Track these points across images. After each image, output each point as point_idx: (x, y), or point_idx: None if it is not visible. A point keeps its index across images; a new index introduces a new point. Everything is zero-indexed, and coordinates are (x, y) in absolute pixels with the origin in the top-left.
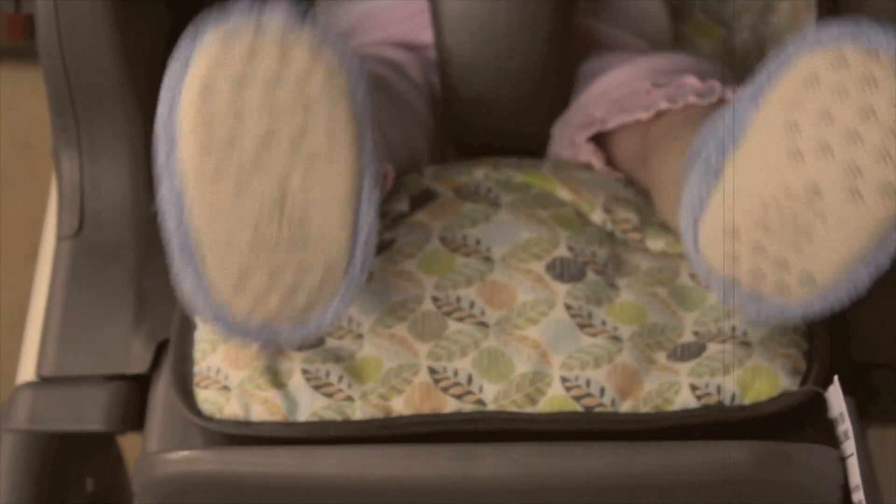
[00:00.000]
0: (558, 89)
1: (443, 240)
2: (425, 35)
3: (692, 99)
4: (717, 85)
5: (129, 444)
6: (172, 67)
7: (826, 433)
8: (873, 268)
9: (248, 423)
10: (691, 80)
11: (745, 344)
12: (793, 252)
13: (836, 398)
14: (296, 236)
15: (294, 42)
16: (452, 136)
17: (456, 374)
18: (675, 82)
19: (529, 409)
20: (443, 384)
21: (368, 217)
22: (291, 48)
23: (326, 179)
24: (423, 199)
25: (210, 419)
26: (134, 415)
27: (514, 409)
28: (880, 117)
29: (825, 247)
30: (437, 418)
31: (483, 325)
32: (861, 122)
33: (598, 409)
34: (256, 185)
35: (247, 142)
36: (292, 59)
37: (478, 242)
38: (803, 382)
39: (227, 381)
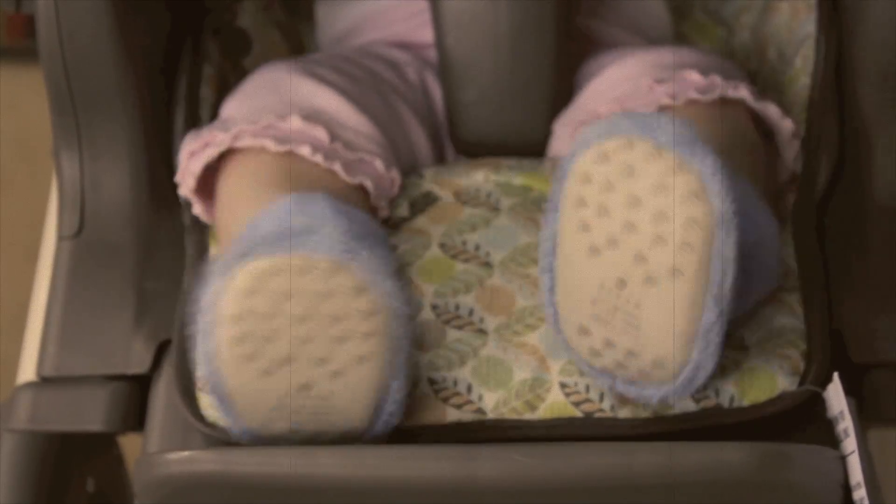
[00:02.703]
0: (559, 89)
1: (442, 246)
2: (424, 34)
3: (693, 95)
4: (718, 80)
5: (129, 444)
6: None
7: (826, 433)
8: (718, 336)
9: None
10: (693, 76)
11: (742, 347)
12: (633, 341)
13: (835, 396)
14: (318, 410)
15: (338, 281)
16: (453, 136)
17: (455, 383)
18: (676, 78)
19: (529, 416)
20: (443, 394)
21: (391, 407)
22: (334, 287)
23: (354, 382)
24: (423, 202)
25: (213, 426)
26: (134, 415)
27: (514, 416)
28: (644, 204)
29: (655, 331)
30: (438, 429)
31: (482, 332)
32: (630, 211)
33: (597, 415)
34: (285, 373)
35: (281, 342)
36: (334, 296)
37: (477, 248)
38: (802, 383)
39: None
